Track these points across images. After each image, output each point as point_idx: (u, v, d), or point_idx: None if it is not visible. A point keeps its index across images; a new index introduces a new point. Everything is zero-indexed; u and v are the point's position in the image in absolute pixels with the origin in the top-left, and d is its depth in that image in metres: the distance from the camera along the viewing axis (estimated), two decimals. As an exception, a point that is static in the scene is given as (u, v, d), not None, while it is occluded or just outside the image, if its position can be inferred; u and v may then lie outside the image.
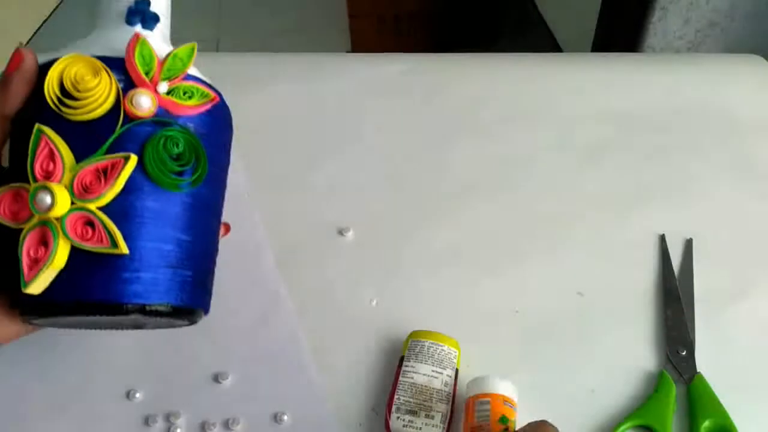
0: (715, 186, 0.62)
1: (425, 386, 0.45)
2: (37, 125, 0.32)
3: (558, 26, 1.89)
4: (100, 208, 0.31)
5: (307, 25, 2.14)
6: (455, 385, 0.46)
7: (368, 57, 0.79)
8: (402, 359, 0.47)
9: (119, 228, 0.31)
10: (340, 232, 0.58)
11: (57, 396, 0.46)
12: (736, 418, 0.45)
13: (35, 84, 0.33)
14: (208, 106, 0.35)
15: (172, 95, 0.34)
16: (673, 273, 0.55)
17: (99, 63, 0.33)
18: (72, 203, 0.31)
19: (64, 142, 0.32)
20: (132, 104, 0.32)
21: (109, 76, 0.32)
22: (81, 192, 0.31)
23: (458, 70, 0.75)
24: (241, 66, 0.75)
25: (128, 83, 0.33)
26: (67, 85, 0.32)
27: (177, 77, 0.34)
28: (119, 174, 0.31)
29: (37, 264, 0.30)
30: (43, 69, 0.33)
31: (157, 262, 0.32)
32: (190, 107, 0.34)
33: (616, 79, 0.74)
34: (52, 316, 0.32)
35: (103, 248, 0.30)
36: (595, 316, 0.52)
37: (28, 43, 2.03)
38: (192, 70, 0.36)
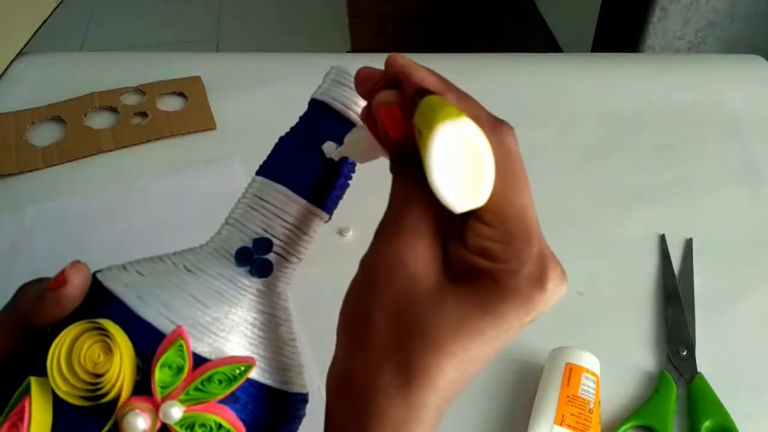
0: (715, 186, 0.62)
1: None
2: (30, 379, 0.26)
3: (558, 26, 1.89)
4: None
5: (307, 25, 2.14)
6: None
7: (368, 57, 0.79)
8: None
9: None
10: (340, 232, 0.58)
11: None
12: (736, 418, 0.45)
13: (74, 306, 0.28)
14: None
15: (182, 425, 0.26)
16: (673, 273, 0.55)
17: (121, 343, 0.26)
18: None
19: (47, 412, 0.26)
20: (122, 421, 0.25)
21: (120, 368, 0.26)
22: None
23: (458, 70, 0.74)
24: (241, 66, 0.75)
25: (147, 380, 0.26)
26: (73, 358, 0.26)
27: (206, 402, 0.27)
28: None
29: None
30: (97, 288, 0.28)
31: None
32: None
33: (616, 79, 0.74)
34: None
35: None
36: (595, 316, 0.52)
37: (27, 43, 2.03)
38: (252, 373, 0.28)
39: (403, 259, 0.25)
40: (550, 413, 0.43)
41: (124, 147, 0.64)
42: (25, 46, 0.76)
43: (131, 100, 0.69)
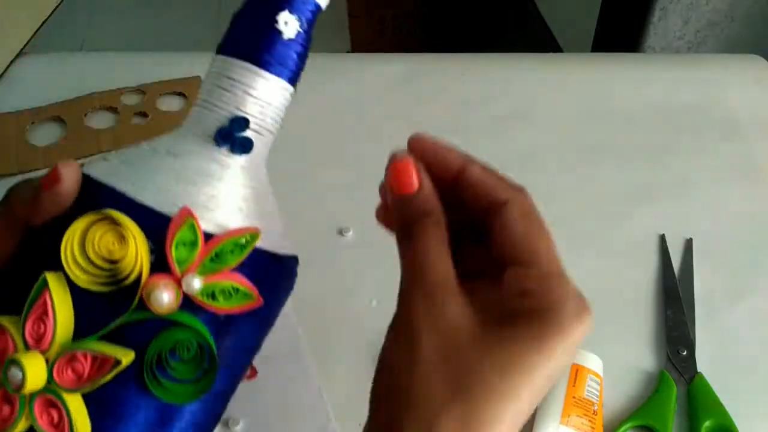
0: (715, 186, 0.62)
1: None
2: (45, 274, 0.27)
3: (558, 26, 1.89)
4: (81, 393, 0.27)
5: (307, 25, 2.13)
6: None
7: (368, 57, 0.79)
8: None
9: (94, 417, 0.27)
10: (340, 232, 0.58)
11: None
12: (736, 418, 0.45)
13: (70, 202, 0.29)
14: (246, 309, 0.29)
15: (204, 294, 0.28)
16: (673, 273, 0.55)
17: (132, 229, 0.27)
18: (48, 382, 0.27)
19: (68, 304, 0.27)
20: (148, 298, 0.27)
21: (136, 251, 0.27)
22: (60, 374, 0.27)
23: (458, 70, 0.75)
24: (241, 66, 0.75)
25: (160, 259, 0.28)
26: (88, 248, 0.28)
27: (220, 272, 0.28)
28: (104, 375, 0.27)
29: None
30: (88, 183, 0.29)
31: None
32: (222, 309, 0.29)
33: (616, 79, 0.74)
34: None
35: None
36: (595, 316, 0.52)
37: (27, 43, 2.03)
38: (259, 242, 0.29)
39: (440, 315, 0.26)
40: (556, 413, 0.43)
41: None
42: (25, 46, 0.76)
43: (131, 100, 0.69)
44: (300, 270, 0.57)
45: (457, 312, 0.26)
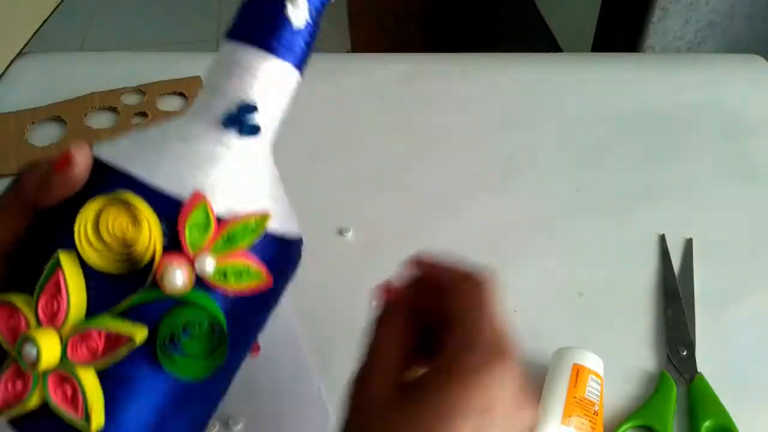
0: (715, 186, 0.62)
1: None
2: (59, 253, 0.28)
3: (558, 26, 1.89)
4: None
5: (307, 25, 2.13)
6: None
7: (368, 57, 0.79)
8: None
9: (107, 393, 0.27)
10: (340, 232, 0.58)
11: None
12: (736, 418, 0.45)
13: (81, 185, 0.29)
14: (256, 290, 0.30)
15: (216, 275, 0.29)
16: (673, 273, 0.55)
17: (145, 211, 0.28)
18: (61, 359, 0.28)
19: (81, 282, 0.28)
20: (162, 278, 0.28)
21: (149, 233, 0.28)
22: (74, 350, 0.28)
23: (458, 70, 0.75)
24: (241, 66, 0.75)
25: (173, 242, 0.28)
26: (101, 229, 0.28)
27: (232, 254, 0.29)
28: (117, 350, 0.27)
29: (7, 400, 0.28)
30: (99, 166, 0.29)
31: None
32: (233, 289, 0.29)
33: (616, 79, 0.74)
34: None
35: (75, 419, 0.27)
36: (595, 316, 0.52)
37: (28, 43, 2.03)
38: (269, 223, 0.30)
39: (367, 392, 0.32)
40: (557, 413, 0.43)
41: (124, 147, 0.64)
42: (25, 46, 0.76)
43: (131, 100, 0.69)
44: (300, 270, 0.57)
45: (384, 388, 0.31)
